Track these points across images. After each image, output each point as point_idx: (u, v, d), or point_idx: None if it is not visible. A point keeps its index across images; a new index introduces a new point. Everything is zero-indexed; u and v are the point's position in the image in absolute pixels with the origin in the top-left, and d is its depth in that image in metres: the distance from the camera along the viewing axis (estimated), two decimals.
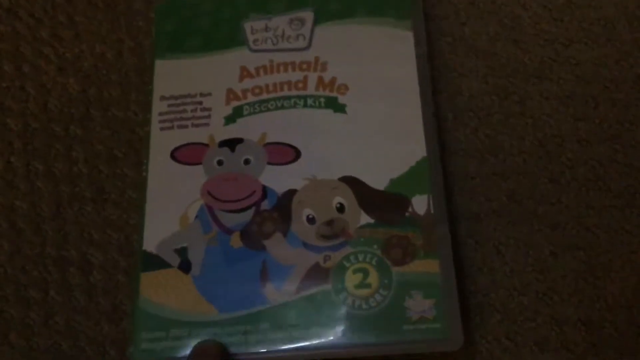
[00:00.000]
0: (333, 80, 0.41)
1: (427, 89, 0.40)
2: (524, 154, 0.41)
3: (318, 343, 0.35)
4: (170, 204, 0.39)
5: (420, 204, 0.37)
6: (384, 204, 0.38)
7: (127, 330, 0.39)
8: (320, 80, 0.41)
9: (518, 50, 0.43)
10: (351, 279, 0.36)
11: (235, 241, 0.38)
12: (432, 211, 0.37)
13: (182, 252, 0.38)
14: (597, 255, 0.38)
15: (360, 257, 0.37)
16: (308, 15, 0.43)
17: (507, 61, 0.43)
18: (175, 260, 0.38)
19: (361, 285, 0.36)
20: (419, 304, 0.35)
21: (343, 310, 0.36)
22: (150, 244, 0.38)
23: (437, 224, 0.37)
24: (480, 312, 0.38)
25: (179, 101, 0.42)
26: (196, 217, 0.39)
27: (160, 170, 0.40)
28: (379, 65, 0.41)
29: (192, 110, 0.41)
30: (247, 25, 0.43)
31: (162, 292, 0.37)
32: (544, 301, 0.38)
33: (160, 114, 0.42)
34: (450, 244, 0.37)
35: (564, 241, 0.39)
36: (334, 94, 0.41)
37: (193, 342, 0.36)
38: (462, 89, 0.42)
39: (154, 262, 0.38)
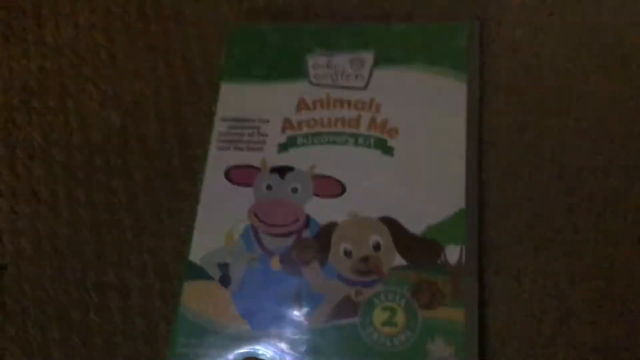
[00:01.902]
0: (384, 122, 0.42)
1: (474, 144, 0.42)
2: (542, 185, 0.42)
3: None
4: (219, 220, 0.41)
5: (453, 253, 0.39)
6: (418, 248, 0.39)
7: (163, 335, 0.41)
8: (373, 121, 0.43)
9: (536, 86, 0.44)
10: (379, 316, 0.38)
11: (275, 264, 0.40)
12: (463, 262, 0.38)
13: (223, 267, 0.40)
14: (614, 284, 0.39)
15: (390, 297, 0.38)
16: (369, 57, 0.44)
17: (526, 97, 0.44)
18: (217, 274, 0.40)
19: (388, 323, 0.37)
20: (440, 349, 0.36)
21: (367, 345, 0.37)
22: (195, 255, 0.41)
23: (466, 275, 0.38)
24: (500, 338, 0.39)
25: (238, 124, 0.44)
26: (241, 236, 0.41)
27: (214, 187, 0.42)
28: (431, 113, 0.42)
29: (249, 134, 0.43)
30: (310, 60, 0.45)
31: (202, 302, 0.39)
32: (562, 328, 0.39)
33: (220, 133, 0.44)
34: (477, 296, 0.38)
35: (581, 270, 0.40)
36: (384, 136, 0.42)
37: (223, 353, 0.38)
38: (483, 122, 0.44)
39: (197, 273, 0.40)
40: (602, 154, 0.42)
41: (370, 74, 0.44)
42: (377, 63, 0.44)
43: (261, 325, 0.38)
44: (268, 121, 0.44)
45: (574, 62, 0.45)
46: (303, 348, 0.38)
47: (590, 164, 0.42)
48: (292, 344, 0.38)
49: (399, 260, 0.39)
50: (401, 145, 0.42)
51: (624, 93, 0.44)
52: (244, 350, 0.38)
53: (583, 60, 0.45)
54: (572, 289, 0.40)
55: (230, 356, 0.38)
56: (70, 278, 0.44)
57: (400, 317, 0.38)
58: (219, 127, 0.44)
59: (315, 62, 0.45)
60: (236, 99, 0.45)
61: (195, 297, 0.40)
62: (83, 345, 0.42)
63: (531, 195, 0.42)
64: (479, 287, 0.40)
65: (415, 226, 0.39)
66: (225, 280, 0.40)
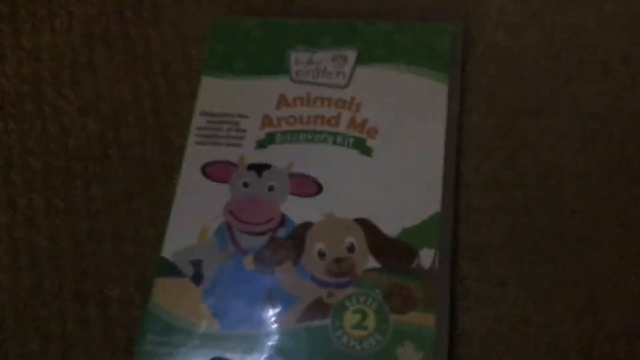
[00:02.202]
0: (364, 122, 0.42)
1: (453, 147, 0.41)
2: (524, 188, 0.42)
3: None
4: (193, 217, 0.41)
5: (426, 257, 0.38)
6: (392, 251, 0.39)
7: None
8: (353, 120, 0.42)
9: (518, 88, 0.44)
10: (350, 319, 0.37)
11: (248, 263, 0.39)
12: (436, 267, 0.38)
13: (196, 264, 0.40)
14: (598, 288, 0.39)
15: (362, 299, 0.38)
16: (351, 55, 0.44)
17: (507, 99, 0.44)
18: (189, 271, 0.40)
19: (358, 326, 0.37)
20: (409, 355, 0.36)
21: (337, 348, 0.37)
22: (168, 251, 0.40)
23: (439, 280, 0.38)
24: (485, 345, 0.39)
25: (217, 119, 0.43)
26: (215, 233, 0.40)
27: (190, 182, 0.42)
28: (411, 114, 0.42)
29: (227, 129, 0.43)
30: (293, 56, 0.44)
31: (173, 299, 0.39)
32: (546, 332, 0.39)
33: (198, 128, 0.43)
34: (449, 302, 0.38)
35: (565, 274, 0.40)
36: (363, 136, 0.42)
37: (191, 352, 0.37)
38: (464, 126, 0.44)
39: (169, 269, 0.40)
40: (584, 156, 0.42)
41: (352, 72, 0.43)
42: (359, 61, 0.44)
43: (231, 324, 0.38)
44: (247, 117, 0.43)
45: (556, 63, 0.45)
46: (272, 349, 0.37)
47: (572, 167, 0.42)
48: (262, 344, 0.37)
49: (372, 263, 0.39)
50: (380, 145, 0.41)
51: (605, 95, 0.43)
52: (212, 350, 0.37)
53: (564, 62, 0.45)
54: (556, 295, 0.39)
55: (199, 356, 0.38)
56: (48, 288, 0.43)
57: (371, 321, 0.37)
58: (197, 121, 0.44)
59: (297, 58, 0.44)
60: (216, 93, 0.44)
61: (166, 294, 0.39)
62: (62, 358, 0.42)
63: (513, 200, 0.42)
64: (461, 294, 0.40)
65: (391, 228, 0.39)
66: (197, 278, 0.39)
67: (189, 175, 0.42)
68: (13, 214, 0.45)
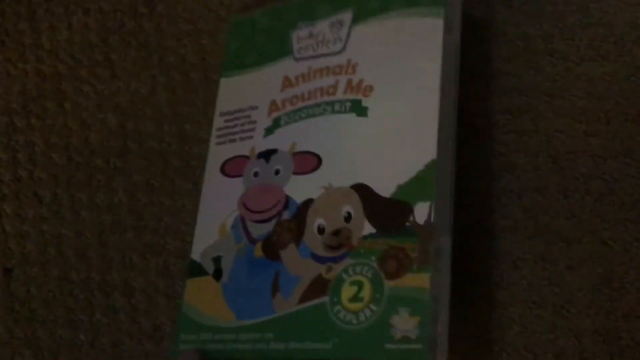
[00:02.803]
0: (360, 82, 0.40)
1: (452, 83, 0.38)
2: (537, 170, 0.42)
3: (309, 356, 0.35)
4: (214, 215, 0.41)
5: (421, 212, 0.35)
6: (386, 212, 0.36)
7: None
8: (349, 83, 0.40)
9: (530, 70, 0.44)
10: (347, 292, 0.35)
11: (258, 251, 0.39)
12: (432, 220, 0.35)
13: (217, 260, 0.40)
14: (612, 268, 0.39)
15: (358, 269, 0.36)
16: (347, 16, 0.42)
17: (520, 80, 0.44)
18: (211, 268, 0.40)
19: (354, 299, 0.35)
20: (404, 322, 0.33)
21: (334, 325, 0.35)
22: (196, 252, 0.41)
23: (436, 235, 0.34)
24: (500, 326, 0.40)
25: (232, 116, 0.43)
26: (232, 227, 0.41)
27: (212, 182, 0.42)
28: (405, 60, 0.39)
29: (241, 124, 0.43)
30: (294, 35, 0.43)
31: (200, 297, 0.40)
32: (561, 314, 0.39)
33: (218, 129, 0.43)
34: (448, 258, 0.35)
35: (579, 254, 0.40)
36: (359, 97, 0.39)
37: (218, 347, 0.38)
38: (477, 109, 0.44)
39: (197, 270, 0.40)
40: (598, 136, 0.42)
41: (349, 34, 0.42)
42: (355, 20, 0.42)
43: (245, 315, 0.38)
44: (257, 107, 0.43)
45: (568, 43, 0.44)
46: (278, 333, 0.37)
47: (585, 147, 0.42)
48: (269, 330, 0.37)
49: (368, 229, 0.36)
50: (375, 103, 0.39)
51: (619, 73, 0.43)
52: (229, 344, 0.38)
53: (577, 41, 0.44)
54: (571, 275, 0.40)
55: (220, 352, 0.38)
56: (75, 279, 0.45)
57: (366, 291, 0.35)
58: (217, 122, 0.44)
59: (299, 35, 0.43)
60: (232, 91, 0.44)
61: (195, 294, 0.40)
62: (91, 346, 0.43)
63: (527, 181, 0.42)
64: (474, 276, 0.40)
65: (386, 188, 0.36)
66: (217, 274, 0.40)
67: (211, 176, 0.42)
68: (39, 209, 0.47)
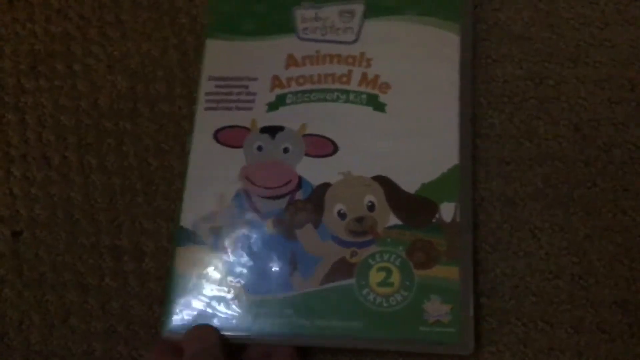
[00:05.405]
0: (376, 78, 0.41)
1: (468, 97, 0.40)
2: (559, 138, 0.41)
3: (339, 333, 0.37)
4: (209, 184, 0.41)
5: (447, 211, 0.38)
6: (412, 207, 0.39)
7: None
8: (364, 76, 0.42)
9: (553, 35, 0.43)
10: (375, 277, 0.38)
11: (269, 228, 0.40)
12: (458, 220, 0.38)
13: (216, 231, 0.40)
14: (632, 238, 0.39)
15: (385, 257, 0.38)
16: (358, 8, 0.43)
17: (542, 46, 0.43)
18: (209, 239, 0.40)
19: (384, 283, 0.38)
20: (436, 308, 0.37)
21: (364, 305, 0.37)
22: (187, 220, 0.40)
23: (461, 232, 0.38)
24: (517, 295, 0.39)
25: (226, 83, 0.43)
26: (233, 199, 0.40)
27: (202, 149, 0.42)
28: (423, 67, 0.41)
29: (237, 93, 0.42)
30: (298, 13, 0.43)
31: (195, 266, 0.39)
32: (579, 284, 0.39)
33: (207, 93, 0.43)
34: (472, 253, 0.38)
35: (599, 224, 0.39)
36: (376, 92, 0.41)
37: (217, 318, 0.38)
38: (497, 75, 0.43)
39: (190, 238, 0.40)
40: (621, 104, 0.41)
41: (361, 27, 0.42)
42: (367, 14, 0.43)
43: (257, 289, 0.38)
44: (256, 79, 0.42)
45: (592, 7, 0.43)
46: (299, 309, 0.38)
47: (608, 115, 0.41)
48: (289, 306, 0.38)
49: (393, 220, 0.39)
50: (393, 101, 0.41)
51: None
52: (240, 317, 0.38)
53: (602, 5, 0.43)
54: (590, 245, 0.39)
55: (224, 323, 0.38)
56: (85, 243, 0.44)
57: (396, 277, 0.38)
58: (205, 87, 0.43)
59: (304, 15, 0.43)
60: (224, 56, 0.43)
61: (188, 263, 0.40)
62: (100, 309, 0.43)
63: (547, 149, 0.41)
64: (492, 245, 0.39)
65: (410, 184, 0.39)
66: (218, 245, 0.40)
67: (201, 142, 0.42)
68: (48, 171, 0.46)
